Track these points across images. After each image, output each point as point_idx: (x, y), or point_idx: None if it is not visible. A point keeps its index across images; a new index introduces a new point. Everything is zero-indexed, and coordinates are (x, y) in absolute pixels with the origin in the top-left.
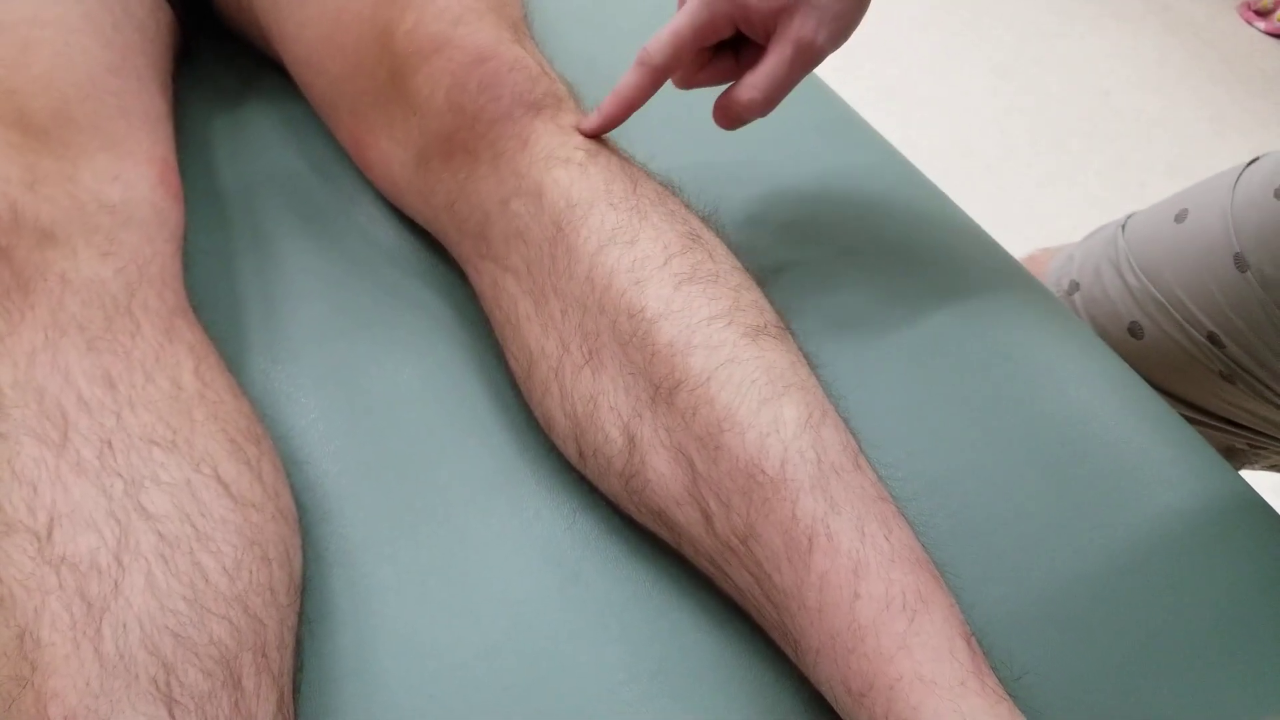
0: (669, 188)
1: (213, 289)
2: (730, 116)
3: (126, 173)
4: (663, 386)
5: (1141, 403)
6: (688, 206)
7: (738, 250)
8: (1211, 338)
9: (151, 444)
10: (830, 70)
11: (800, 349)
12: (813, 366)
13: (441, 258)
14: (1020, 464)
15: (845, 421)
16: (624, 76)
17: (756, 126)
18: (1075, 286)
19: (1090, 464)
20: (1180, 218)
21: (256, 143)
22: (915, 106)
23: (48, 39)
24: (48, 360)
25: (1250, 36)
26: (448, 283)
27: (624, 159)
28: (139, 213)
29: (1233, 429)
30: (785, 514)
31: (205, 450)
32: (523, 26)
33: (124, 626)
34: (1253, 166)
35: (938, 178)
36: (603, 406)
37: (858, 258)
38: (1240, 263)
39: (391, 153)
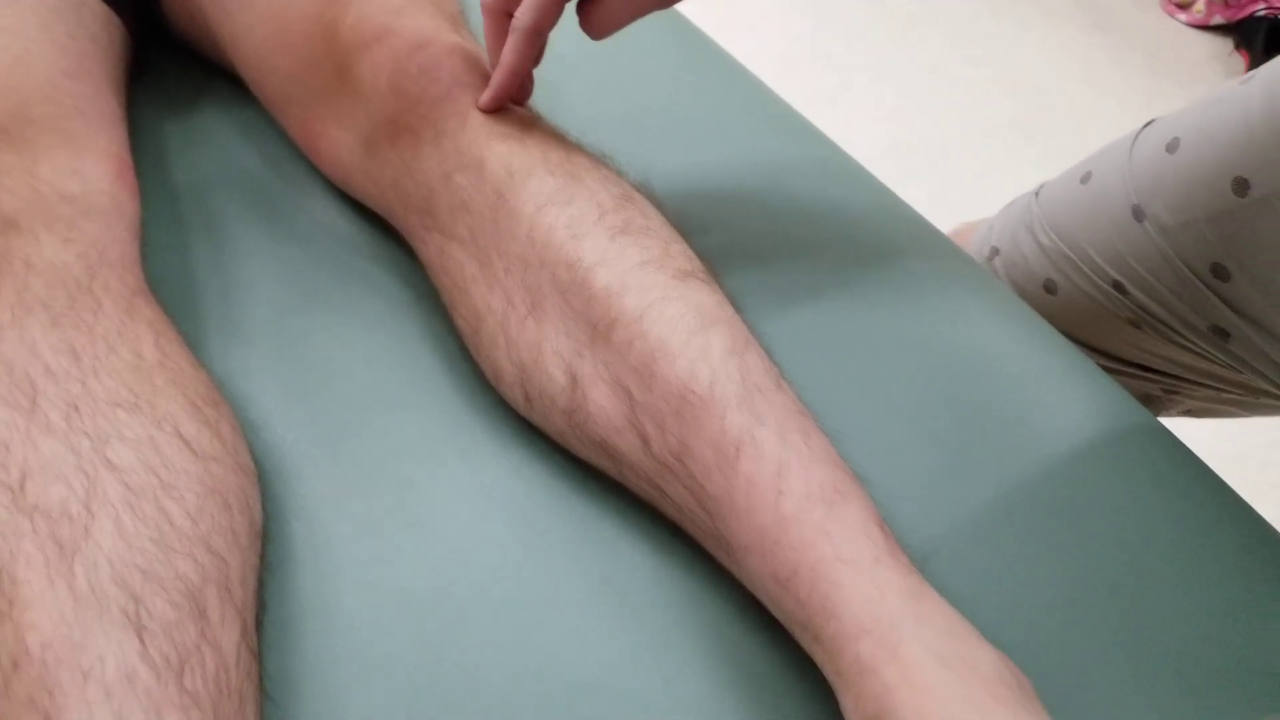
0: (602, 159)
1: (171, 276)
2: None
3: (84, 168)
4: (600, 326)
5: (1049, 345)
6: (620, 173)
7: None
8: (1117, 286)
9: (115, 406)
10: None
11: (728, 295)
12: (739, 309)
13: (389, 238)
14: (934, 400)
15: (769, 353)
16: (505, 48)
17: (696, 122)
18: (995, 252)
19: (1000, 398)
20: (1085, 179)
21: (209, 142)
22: (855, 110)
23: (7, 46)
24: (15, 336)
25: (1174, 29)
26: (396, 261)
27: (559, 133)
28: (97, 204)
29: (1148, 374)
30: (715, 429)
31: (166, 411)
32: (460, 18)
33: (94, 565)
34: (1148, 128)
35: (880, 175)
36: (546, 351)
37: (784, 229)
38: (1138, 213)
39: (340, 140)
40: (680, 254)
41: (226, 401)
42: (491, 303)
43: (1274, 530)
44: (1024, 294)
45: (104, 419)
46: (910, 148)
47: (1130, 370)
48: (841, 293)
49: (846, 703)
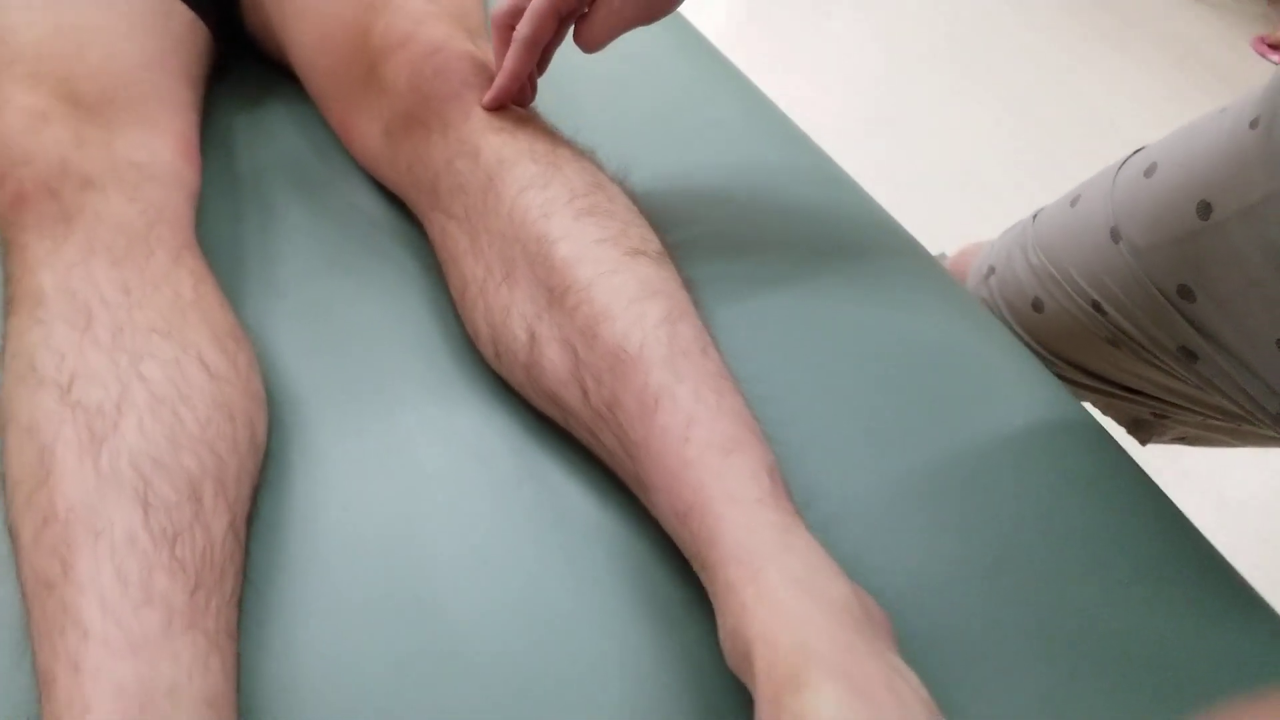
0: (585, 153)
1: (222, 239)
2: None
3: (153, 143)
4: (556, 292)
5: (992, 339)
6: (599, 166)
7: (652, 216)
8: (1095, 305)
9: (152, 332)
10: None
11: (679, 272)
12: (690, 286)
13: (407, 220)
14: (873, 378)
15: (710, 331)
16: (507, 56)
17: (692, 124)
18: (991, 270)
19: (936, 382)
20: (1074, 202)
21: (269, 132)
22: (923, 136)
23: (100, 40)
24: (81, 271)
25: (1264, 70)
26: (410, 238)
27: (550, 129)
28: (161, 173)
29: (1134, 396)
30: (640, 384)
31: (193, 340)
32: (479, 30)
33: (117, 452)
34: (1135, 155)
35: (943, 203)
36: (513, 314)
37: (761, 224)
38: (1115, 235)
39: (368, 130)
40: (636, 236)
41: (248, 340)
42: (476, 271)
43: (1187, 521)
44: (1014, 311)
45: (142, 341)
46: (971, 176)
47: (1117, 391)
48: (804, 283)
49: (719, 620)
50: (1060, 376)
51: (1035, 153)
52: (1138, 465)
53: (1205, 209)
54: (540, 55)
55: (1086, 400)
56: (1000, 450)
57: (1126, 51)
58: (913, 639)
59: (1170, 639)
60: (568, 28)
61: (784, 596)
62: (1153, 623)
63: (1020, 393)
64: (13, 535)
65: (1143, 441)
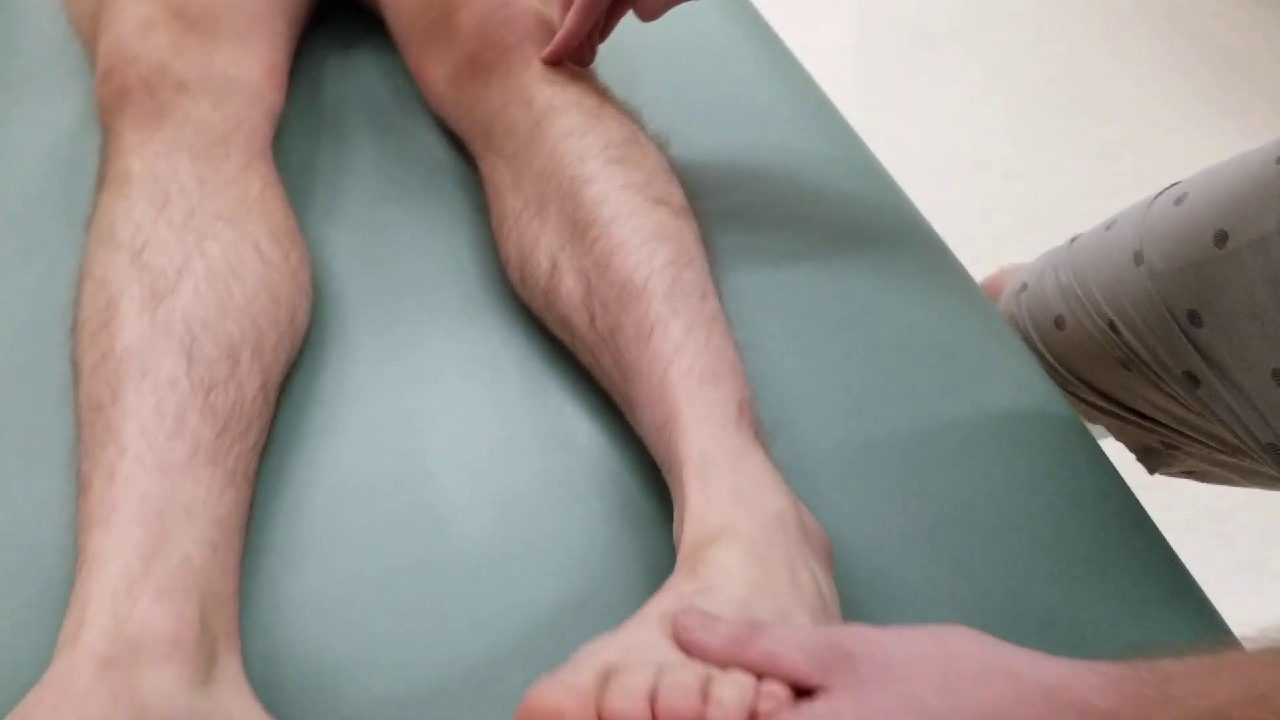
0: (630, 112)
1: (295, 158)
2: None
3: (244, 61)
4: (579, 226)
5: (989, 328)
6: (640, 125)
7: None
8: (1111, 325)
9: (218, 219)
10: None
11: (698, 229)
12: (706, 243)
13: (467, 165)
14: (865, 354)
15: (715, 282)
16: (569, 15)
17: (739, 105)
18: (1024, 287)
19: (922, 360)
20: (1109, 226)
21: (354, 73)
22: (1008, 178)
23: None
24: (165, 160)
25: None
26: (467, 182)
27: (601, 86)
28: (247, 88)
29: (1145, 422)
30: (640, 313)
31: (253, 232)
32: None
33: (172, 310)
34: (1173, 187)
35: (1020, 244)
36: (540, 244)
37: (781, 203)
38: (1138, 258)
39: (437, 73)
40: (660, 187)
41: (302, 243)
42: (514, 205)
43: (1146, 516)
44: (1038, 326)
45: (208, 224)
46: (1053, 220)
47: (1129, 416)
48: (818, 261)
49: (674, 518)
50: (1076, 398)
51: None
52: (1108, 460)
53: (1222, 238)
54: (605, 22)
55: (1100, 424)
56: (973, 429)
57: (1236, 116)
58: (848, 576)
59: (1101, 625)
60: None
61: (724, 498)
62: (1087, 609)
63: (1005, 382)
64: (75, 366)
65: (1151, 470)
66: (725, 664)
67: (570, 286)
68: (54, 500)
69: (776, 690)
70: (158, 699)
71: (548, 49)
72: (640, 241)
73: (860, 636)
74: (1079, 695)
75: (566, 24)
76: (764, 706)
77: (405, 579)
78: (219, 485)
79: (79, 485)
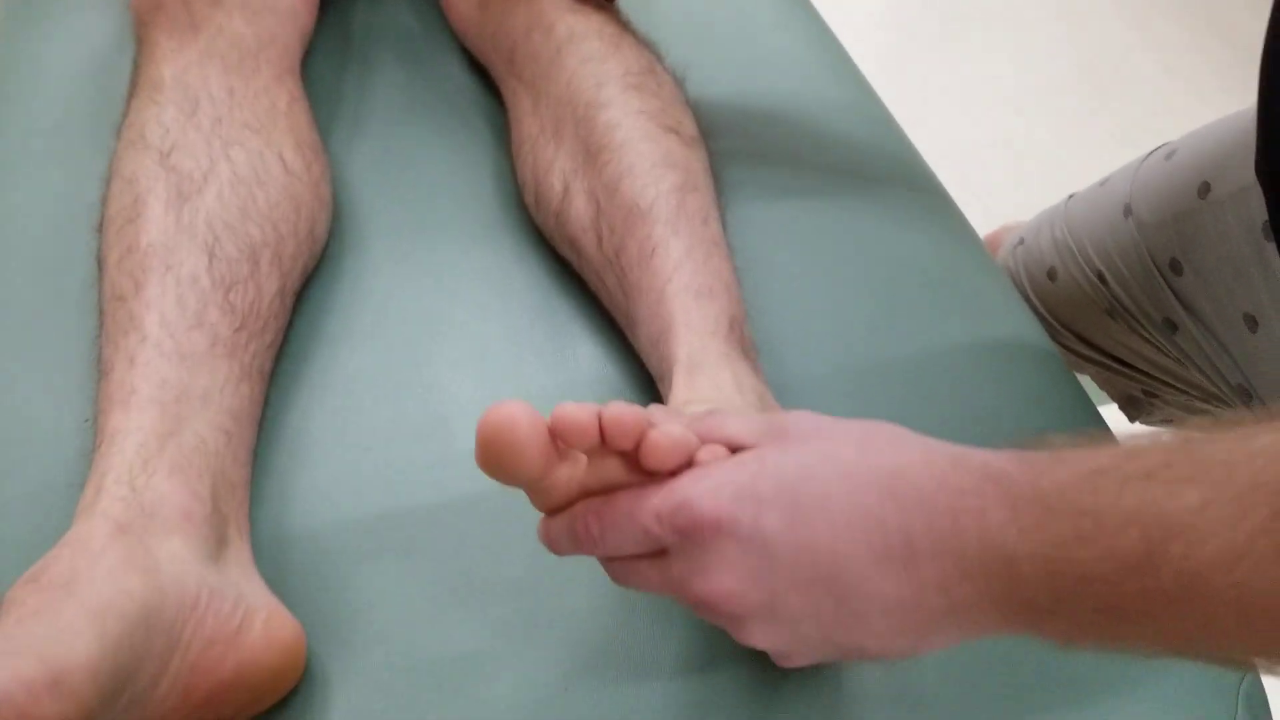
0: (649, 44)
1: (324, 78)
2: None
3: None
4: (592, 150)
5: (983, 268)
6: (658, 57)
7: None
8: (1099, 276)
9: (244, 127)
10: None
11: (707, 158)
12: (715, 173)
13: (491, 94)
14: (859, 282)
15: (720, 208)
16: None
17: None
18: (1021, 242)
19: (915, 295)
20: (1103, 182)
21: (388, 3)
22: (1030, 159)
23: None
24: (197, 70)
25: None
26: (490, 110)
27: (622, 19)
28: (280, 6)
29: (1127, 370)
30: (644, 234)
31: (279, 141)
32: None
33: (196, 210)
34: (1164, 145)
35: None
36: (555, 168)
37: (793, 149)
38: (1127, 211)
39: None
40: (673, 116)
41: (325, 156)
42: (531, 129)
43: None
44: (1032, 279)
45: (235, 132)
46: None
47: (1113, 364)
48: (821, 197)
49: None
50: (1064, 347)
51: None
52: (1083, 389)
53: (1205, 188)
54: None
55: (1086, 373)
56: (960, 358)
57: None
58: None
59: None
60: None
61: (707, 392)
62: None
63: (992, 315)
64: (100, 260)
65: (1131, 419)
66: None
67: (581, 208)
68: (76, 390)
69: (717, 448)
70: (169, 563)
71: None
72: (649, 166)
73: (796, 416)
74: (981, 459)
75: None
76: (703, 455)
77: (411, 477)
78: (235, 378)
79: (100, 371)
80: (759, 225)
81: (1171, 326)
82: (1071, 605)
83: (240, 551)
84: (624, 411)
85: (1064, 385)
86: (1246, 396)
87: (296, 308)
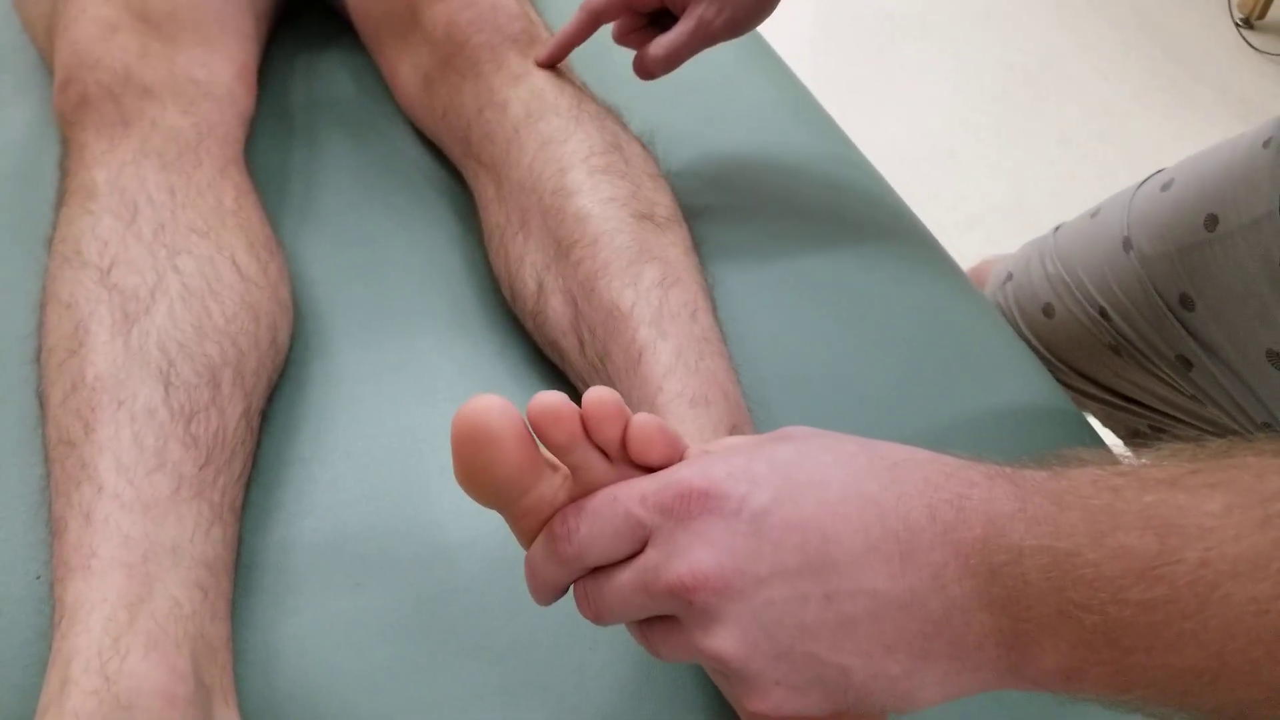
0: (610, 111)
1: (268, 164)
2: (641, 67)
3: (212, 63)
4: (564, 244)
5: (979, 315)
6: (622, 125)
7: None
8: (1101, 312)
9: (191, 231)
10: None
11: (687, 238)
12: (696, 249)
13: (445, 167)
14: (860, 344)
15: (708, 296)
16: (569, 22)
17: (729, 109)
18: (1009, 277)
19: (919, 349)
20: (1094, 214)
21: (325, 74)
22: (975, 167)
23: None
24: (132, 171)
25: None
26: (446, 185)
27: (578, 85)
28: (215, 91)
29: (1133, 407)
30: (628, 339)
31: (229, 243)
32: None
33: (146, 333)
34: (1157, 174)
35: (990, 232)
36: (526, 263)
37: (772, 198)
38: (1127, 244)
39: (410, 76)
40: (645, 199)
41: (281, 253)
42: (499, 219)
43: None
44: (1025, 316)
45: (180, 238)
46: (1022, 208)
47: (1117, 401)
48: (811, 255)
49: None
50: (1063, 384)
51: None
52: (1097, 433)
53: (1212, 221)
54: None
55: (1088, 410)
56: (971, 420)
57: (1190, 103)
58: None
59: None
60: (645, 36)
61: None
62: None
63: (1000, 370)
64: (42, 398)
65: (1138, 456)
66: None
67: (558, 308)
68: (20, 548)
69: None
70: None
71: (541, 52)
72: (626, 263)
73: (798, 426)
74: (992, 464)
75: (565, 29)
76: (692, 453)
77: (407, 611)
78: (205, 522)
79: (52, 529)
80: (745, 290)
81: (1186, 363)
82: (1073, 619)
83: None
84: (605, 396)
85: (1078, 430)
86: (1273, 433)
87: (263, 427)
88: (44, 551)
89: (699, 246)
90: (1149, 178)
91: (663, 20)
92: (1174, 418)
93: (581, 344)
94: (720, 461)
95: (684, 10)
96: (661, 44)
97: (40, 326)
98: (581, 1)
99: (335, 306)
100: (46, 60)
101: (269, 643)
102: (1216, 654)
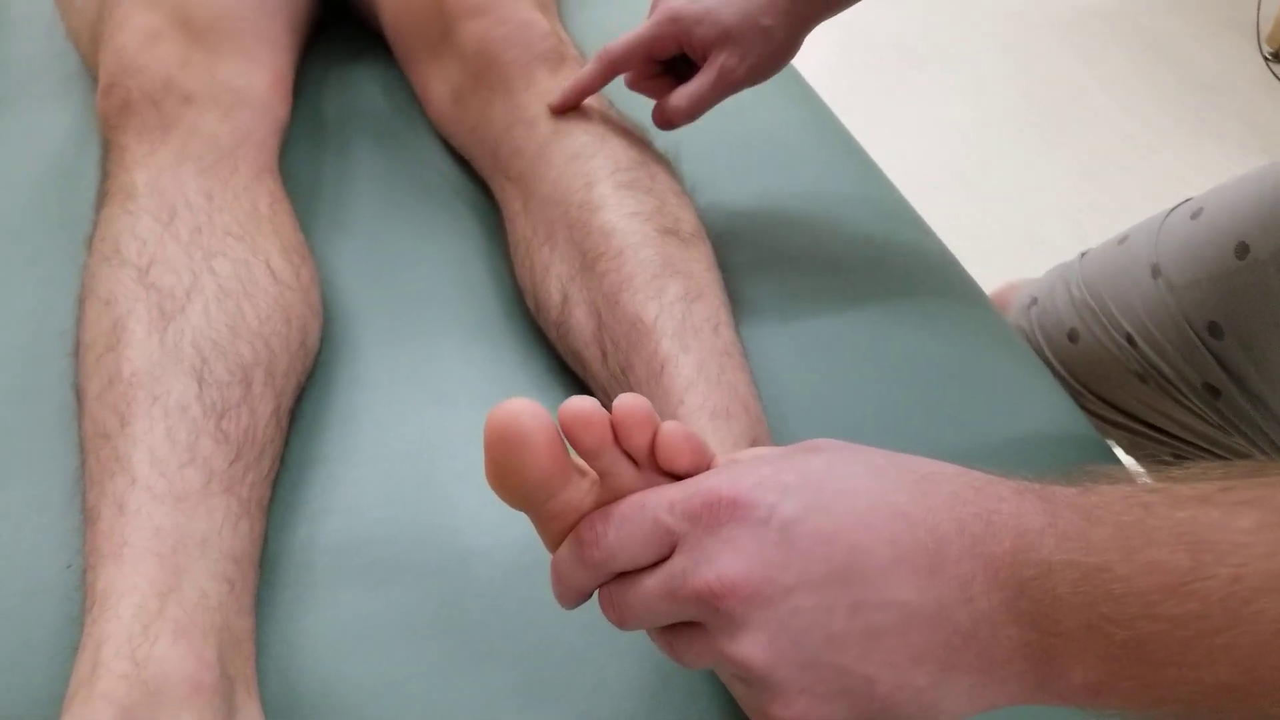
0: (636, 129)
1: (301, 173)
2: (662, 118)
3: (250, 73)
4: (589, 257)
5: (1028, 373)
6: (648, 143)
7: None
8: (1128, 338)
9: (227, 235)
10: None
11: (710, 253)
12: (720, 268)
13: (473, 180)
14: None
15: (730, 311)
16: (585, 68)
17: (770, 152)
18: (1034, 301)
19: (949, 394)
20: (1122, 241)
21: (357, 88)
22: (993, 197)
23: None
24: (171, 175)
25: None
26: (474, 197)
27: (605, 104)
28: (253, 100)
29: (1158, 435)
30: (650, 351)
31: (264, 247)
32: (551, 6)
33: (181, 331)
34: (1186, 203)
35: (1005, 262)
36: (550, 274)
37: (794, 221)
38: (1155, 271)
39: (440, 91)
40: (670, 214)
41: (312, 259)
42: (525, 232)
43: None
44: (1050, 341)
45: (217, 241)
46: (1039, 239)
47: (1141, 429)
48: (853, 308)
49: None
50: (1087, 410)
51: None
52: (1120, 462)
53: (1243, 250)
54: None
55: (1111, 438)
56: (994, 447)
57: (1215, 136)
58: None
59: None
60: (661, 84)
61: None
62: None
63: (1020, 393)
64: (79, 391)
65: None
66: None
67: (581, 320)
68: (53, 536)
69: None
70: None
71: (556, 98)
72: (650, 276)
73: (826, 440)
74: (1022, 481)
75: (581, 75)
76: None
77: (427, 611)
78: (234, 516)
79: (85, 518)
80: (789, 346)
81: (1214, 392)
82: (1103, 633)
83: (251, 715)
84: (636, 403)
85: (1100, 457)
86: None
87: (291, 426)
88: (75, 541)
89: (720, 264)
90: (1177, 206)
91: (678, 67)
92: (1199, 447)
93: (604, 355)
94: (749, 471)
95: (704, 58)
96: (684, 95)
97: (79, 322)
98: (598, 52)
99: (363, 312)
100: (89, 66)
101: (290, 637)
102: (1247, 670)
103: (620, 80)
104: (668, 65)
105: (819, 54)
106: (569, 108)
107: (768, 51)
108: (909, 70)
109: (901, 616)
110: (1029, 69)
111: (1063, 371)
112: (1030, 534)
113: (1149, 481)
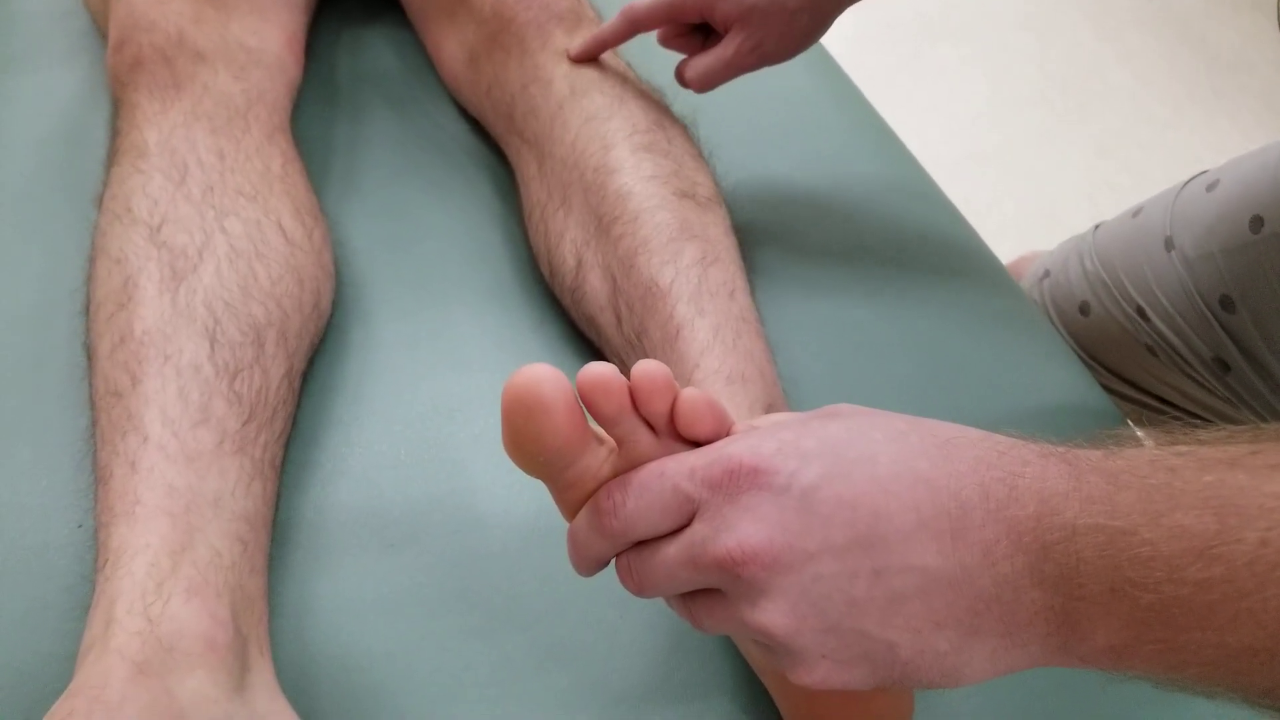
0: (654, 92)
1: (314, 135)
2: (681, 81)
3: (263, 32)
4: (604, 221)
5: (1054, 357)
6: (665, 105)
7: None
8: (1139, 311)
9: (239, 194)
10: (929, 126)
11: (727, 218)
12: (737, 232)
13: (486, 143)
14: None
15: (746, 277)
16: (608, 22)
17: (789, 120)
18: (1047, 274)
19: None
20: (1136, 213)
21: (371, 50)
22: (1010, 173)
23: None
24: (183, 133)
25: None
26: (487, 161)
27: (623, 66)
28: (266, 59)
29: (1166, 407)
30: (665, 315)
31: (276, 207)
32: None
33: (194, 291)
34: (1201, 175)
35: (1021, 239)
36: (565, 239)
37: (811, 186)
38: (1169, 244)
39: (455, 53)
40: (687, 178)
41: (325, 220)
42: (540, 195)
43: None
44: (1062, 314)
45: (229, 200)
46: (1054, 219)
47: (1151, 402)
48: (878, 290)
49: None
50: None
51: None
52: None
53: (1257, 223)
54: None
55: (1120, 411)
56: (1005, 411)
57: (1230, 113)
58: None
59: None
60: (691, 41)
61: None
62: None
63: (1036, 365)
64: (90, 350)
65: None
66: None
67: (596, 284)
68: (63, 495)
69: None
70: (195, 706)
71: (575, 47)
72: (666, 239)
73: (846, 405)
74: (1046, 444)
75: (602, 30)
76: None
77: (439, 575)
78: (246, 476)
79: (97, 477)
80: (811, 325)
81: (1223, 366)
82: (1128, 597)
83: (263, 674)
84: (655, 369)
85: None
86: None
87: (303, 389)
88: (86, 501)
89: (736, 229)
90: (1193, 178)
91: (708, 28)
92: (1207, 420)
93: (619, 319)
94: (769, 437)
95: (726, 29)
96: (696, 67)
97: (89, 280)
98: (622, 8)
99: (375, 275)
100: (99, 26)
101: (303, 597)
102: (1273, 633)
103: (638, 44)
104: (697, 24)
105: (837, 26)
106: (587, 59)
107: (790, 34)
108: (927, 45)
109: (924, 582)
110: (1047, 45)
111: (1073, 344)
112: (1055, 498)
113: (1176, 444)
